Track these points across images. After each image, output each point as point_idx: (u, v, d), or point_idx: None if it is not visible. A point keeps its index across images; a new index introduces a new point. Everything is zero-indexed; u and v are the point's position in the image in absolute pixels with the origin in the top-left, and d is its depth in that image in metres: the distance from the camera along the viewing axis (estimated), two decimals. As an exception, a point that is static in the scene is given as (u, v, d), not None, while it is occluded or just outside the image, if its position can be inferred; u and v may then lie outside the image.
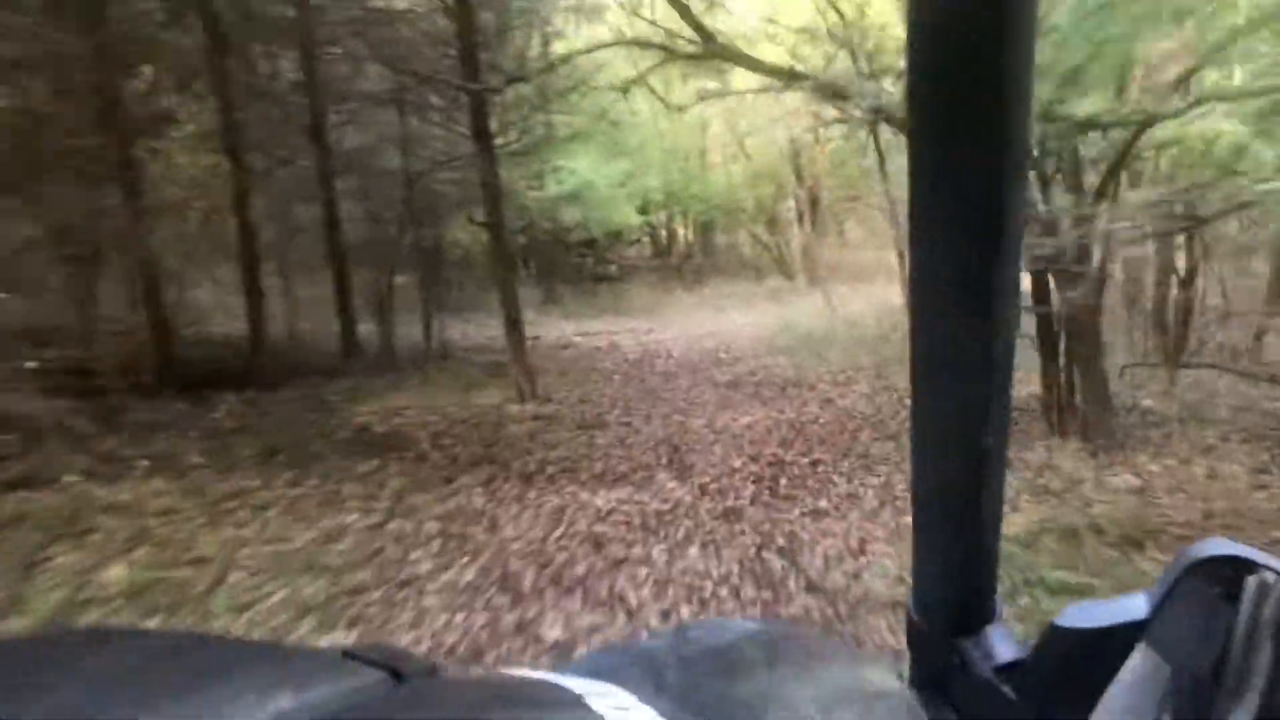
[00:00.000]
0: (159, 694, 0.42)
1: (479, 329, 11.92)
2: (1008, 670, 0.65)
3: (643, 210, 18.63)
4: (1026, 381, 6.19)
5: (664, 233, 20.92)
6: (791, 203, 18.90)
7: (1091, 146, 5.35)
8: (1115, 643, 0.57)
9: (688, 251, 21.20)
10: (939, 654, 0.70)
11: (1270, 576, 0.50)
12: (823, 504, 4.86)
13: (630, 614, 3.49)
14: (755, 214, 20.82)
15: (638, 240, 21.82)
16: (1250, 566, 0.51)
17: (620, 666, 0.62)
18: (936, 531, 0.68)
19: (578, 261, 18.70)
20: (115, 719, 0.36)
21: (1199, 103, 4.52)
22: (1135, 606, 0.58)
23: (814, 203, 18.39)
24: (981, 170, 0.50)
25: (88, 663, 0.45)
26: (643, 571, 3.92)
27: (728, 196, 19.21)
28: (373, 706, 0.46)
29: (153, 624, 3.38)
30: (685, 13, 6.52)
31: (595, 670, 0.58)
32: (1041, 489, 4.74)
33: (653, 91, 9.63)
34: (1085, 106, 4.62)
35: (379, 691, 0.48)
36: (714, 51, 6.72)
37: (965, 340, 0.55)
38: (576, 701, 0.49)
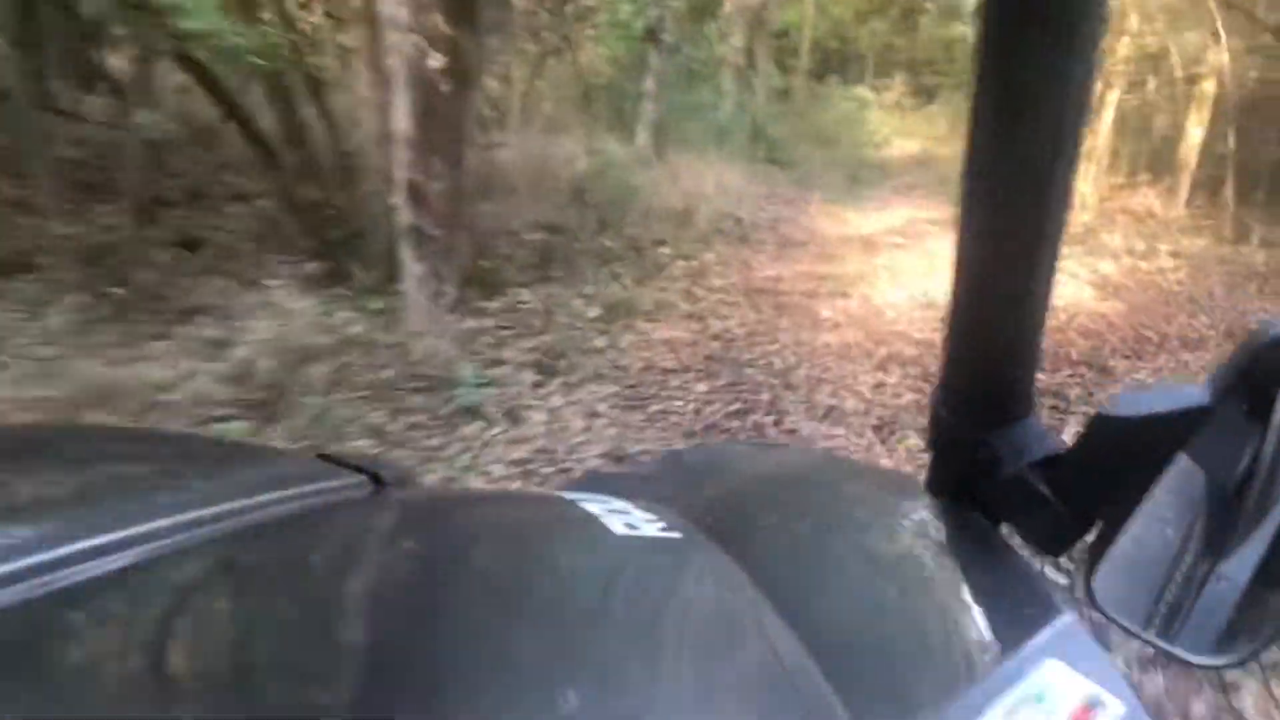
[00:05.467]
0: (142, 488, 0.46)
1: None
2: (1042, 466, 0.61)
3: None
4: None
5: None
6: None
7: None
8: (1166, 434, 0.53)
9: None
10: (966, 452, 0.65)
11: None
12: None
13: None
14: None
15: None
16: None
17: (622, 488, 0.67)
18: (975, 317, 0.61)
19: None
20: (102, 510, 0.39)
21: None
22: (1193, 394, 0.53)
23: None
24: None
25: (73, 456, 0.51)
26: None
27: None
28: (355, 506, 0.52)
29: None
30: None
31: (596, 490, 0.64)
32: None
33: None
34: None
35: (360, 493, 0.53)
36: None
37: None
38: (588, 517, 0.54)
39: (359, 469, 0.55)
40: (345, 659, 0.35)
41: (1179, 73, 7.63)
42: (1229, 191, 7.00)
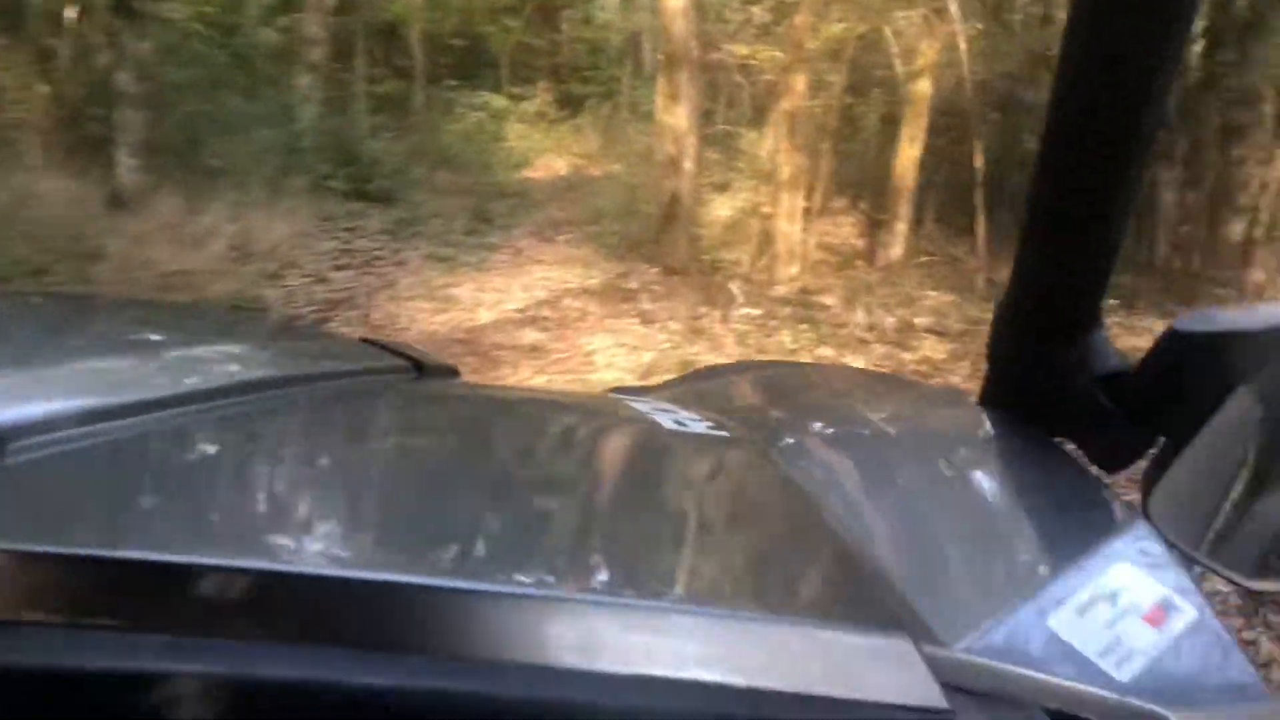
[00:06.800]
0: (203, 356, 0.48)
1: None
2: (1108, 380, 0.60)
3: None
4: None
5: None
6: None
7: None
8: (1239, 355, 0.51)
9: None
10: (1028, 365, 0.65)
11: None
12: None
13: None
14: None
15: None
16: None
17: (656, 396, 0.67)
18: (1052, 228, 0.61)
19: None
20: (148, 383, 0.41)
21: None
22: (1273, 314, 0.52)
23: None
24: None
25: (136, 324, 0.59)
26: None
27: None
28: (401, 389, 0.53)
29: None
30: None
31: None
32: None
33: None
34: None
35: (405, 378, 0.54)
36: None
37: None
38: (635, 413, 0.55)
39: (402, 355, 0.56)
40: (407, 531, 0.37)
41: (898, 68, 5.55)
42: (980, 227, 4.93)
